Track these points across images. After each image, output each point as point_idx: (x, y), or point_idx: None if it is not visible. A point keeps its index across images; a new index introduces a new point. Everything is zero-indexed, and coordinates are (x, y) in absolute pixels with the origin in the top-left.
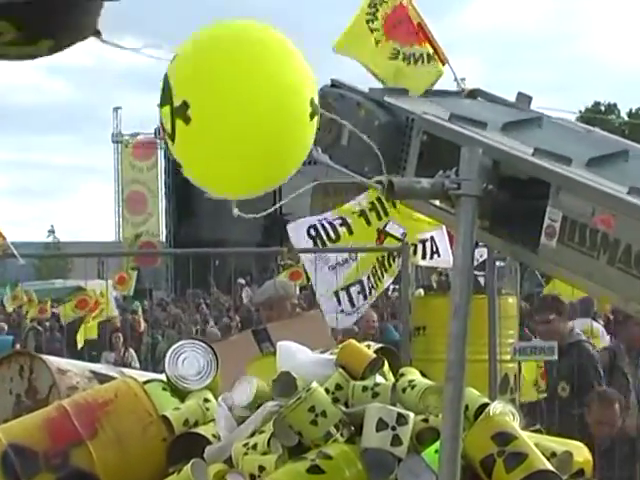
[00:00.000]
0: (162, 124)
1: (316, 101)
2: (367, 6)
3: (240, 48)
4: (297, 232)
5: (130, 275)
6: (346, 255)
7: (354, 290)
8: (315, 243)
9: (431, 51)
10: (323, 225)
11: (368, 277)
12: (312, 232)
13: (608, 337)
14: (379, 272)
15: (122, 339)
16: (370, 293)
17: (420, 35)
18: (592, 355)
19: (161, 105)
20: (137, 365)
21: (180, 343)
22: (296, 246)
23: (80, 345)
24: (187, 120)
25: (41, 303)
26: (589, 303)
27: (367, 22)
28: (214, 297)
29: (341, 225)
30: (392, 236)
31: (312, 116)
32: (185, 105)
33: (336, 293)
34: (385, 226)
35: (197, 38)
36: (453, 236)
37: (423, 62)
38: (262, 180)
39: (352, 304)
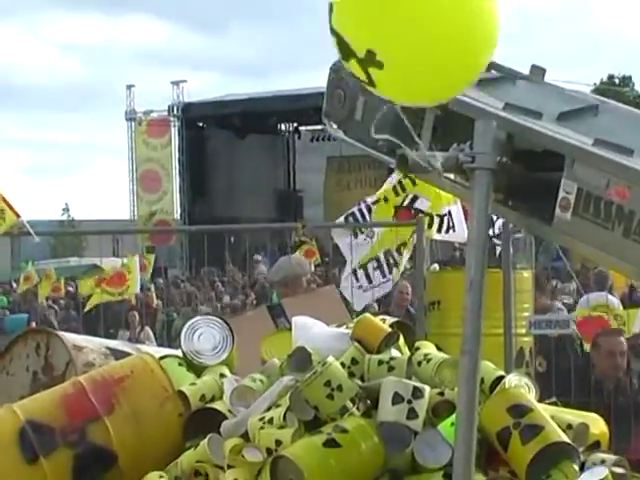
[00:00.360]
0: (353, 75)
1: None
2: None
3: None
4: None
5: (149, 260)
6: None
7: (370, 267)
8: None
9: None
10: (360, 210)
11: (385, 254)
12: (350, 219)
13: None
14: (401, 249)
15: (137, 317)
16: (390, 271)
17: None
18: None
19: (344, 59)
20: (153, 343)
21: (196, 319)
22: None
23: (88, 308)
24: (380, 66)
25: (56, 281)
26: (604, 276)
27: None
28: (229, 274)
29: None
30: (422, 212)
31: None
32: (371, 53)
33: (354, 271)
34: (403, 202)
35: None
36: (468, 211)
37: None
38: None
39: (369, 280)
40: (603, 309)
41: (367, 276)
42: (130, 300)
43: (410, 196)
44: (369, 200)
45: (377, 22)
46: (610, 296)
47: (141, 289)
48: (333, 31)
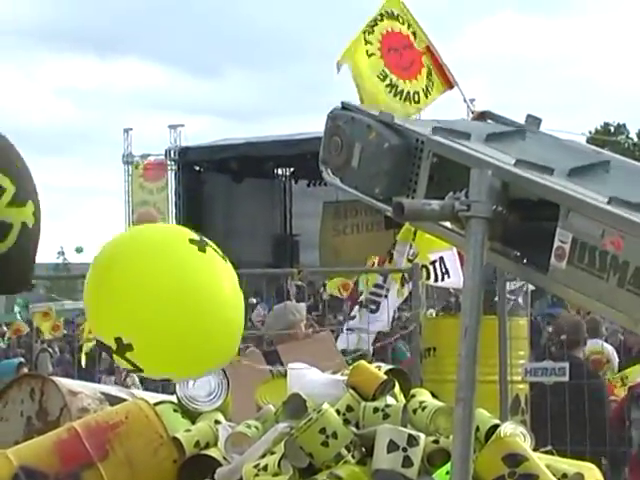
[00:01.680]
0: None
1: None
2: (371, 19)
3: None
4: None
5: None
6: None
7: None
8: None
9: (412, 91)
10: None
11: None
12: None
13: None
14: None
15: None
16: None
17: (411, 70)
18: None
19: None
20: (140, 389)
21: None
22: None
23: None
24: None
25: (57, 320)
26: (596, 323)
27: (364, 32)
28: None
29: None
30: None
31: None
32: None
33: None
34: (394, 246)
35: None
36: (463, 257)
37: (401, 98)
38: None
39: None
40: (598, 356)
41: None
42: None
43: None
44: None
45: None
46: (605, 343)
47: None
48: None
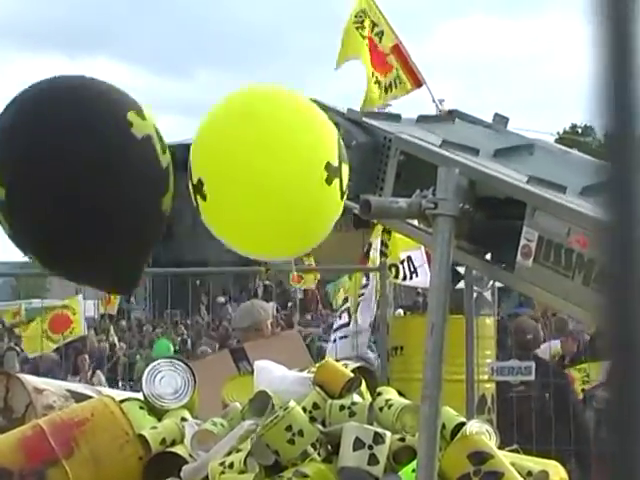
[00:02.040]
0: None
1: (335, 163)
2: (354, 15)
3: (249, 125)
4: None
5: (114, 296)
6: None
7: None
8: None
9: (387, 82)
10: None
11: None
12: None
13: None
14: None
15: (88, 360)
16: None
17: (386, 64)
18: None
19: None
20: (106, 387)
21: (157, 362)
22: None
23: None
24: (204, 197)
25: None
26: (564, 322)
27: (357, 29)
28: (193, 317)
29: None
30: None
31: (329, 181)
32: (200, 183)
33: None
34: (369, 248)
35: (211, 115)
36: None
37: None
38: (289, 247)
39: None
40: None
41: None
42: (84, 341)
43: (374, 242)
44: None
45: (213, 155)
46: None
47: (95, 331)
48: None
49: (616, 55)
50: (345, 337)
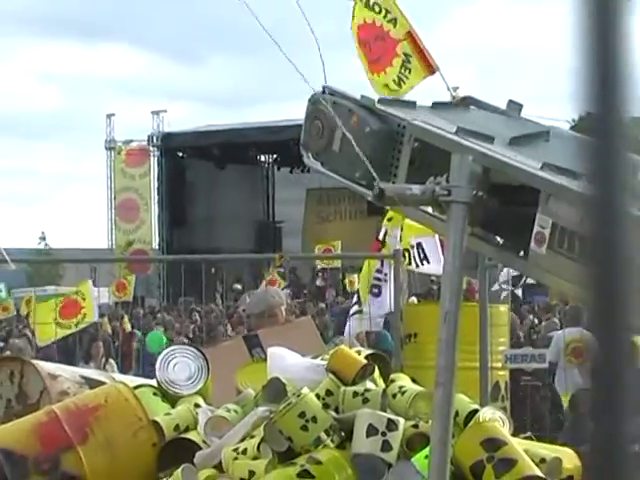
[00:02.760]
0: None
1: None
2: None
3: None
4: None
5: (129, 281)
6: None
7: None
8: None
9: (381, 83)
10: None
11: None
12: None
13: None
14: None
15: (102, 348)
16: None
17: (380, 63)
18: None
19: None
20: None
21: (171, 348)
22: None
23: (43, 344)
24: None
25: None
26: (579, 311)
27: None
28: (209, 306)
29: None
30: (381, 243)
31: None
32: None
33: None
34: (385, 234)
35: None
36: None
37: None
38: None
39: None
40: (578, 344)
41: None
42: (98, 328)
43: (384, 229)
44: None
45: None
46: (585, 331)
47: (113, 319)
48: None
49: (601, 44)
50: (357, 313)
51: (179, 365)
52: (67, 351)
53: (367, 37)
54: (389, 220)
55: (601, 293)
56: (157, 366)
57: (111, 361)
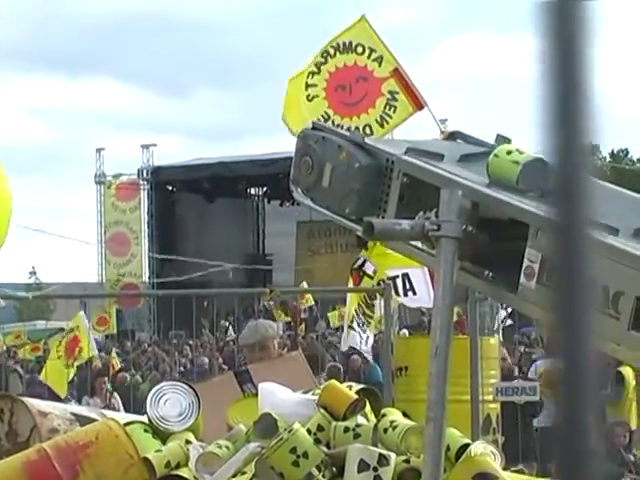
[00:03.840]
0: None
1: None
2: (319, 55)
3: None
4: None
5: (110, 314)
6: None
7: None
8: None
9: (361, 125)
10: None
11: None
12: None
13: None
14: (366, 310)
15: (107, 383)
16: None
17: (361, 104)
18: None
19: None
20: (122, 411)
21: (162, 384)
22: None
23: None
24: None
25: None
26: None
27: (308, 75)
28: (197, 338)
29: None
30: (367, 275)
31: None
32: None
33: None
34: (362, 265)
35: None
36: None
37: None
38: None
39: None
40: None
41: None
42: (96, 363)
43: (361, 259)
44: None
45: None
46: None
47: (99, 351)
48: None
49: (562, 70)
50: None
51: (170, 401)
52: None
53: (346, 80)
54: (366, 250)
55: (564, 317)
56: (148, 402)
57: (116, 395)
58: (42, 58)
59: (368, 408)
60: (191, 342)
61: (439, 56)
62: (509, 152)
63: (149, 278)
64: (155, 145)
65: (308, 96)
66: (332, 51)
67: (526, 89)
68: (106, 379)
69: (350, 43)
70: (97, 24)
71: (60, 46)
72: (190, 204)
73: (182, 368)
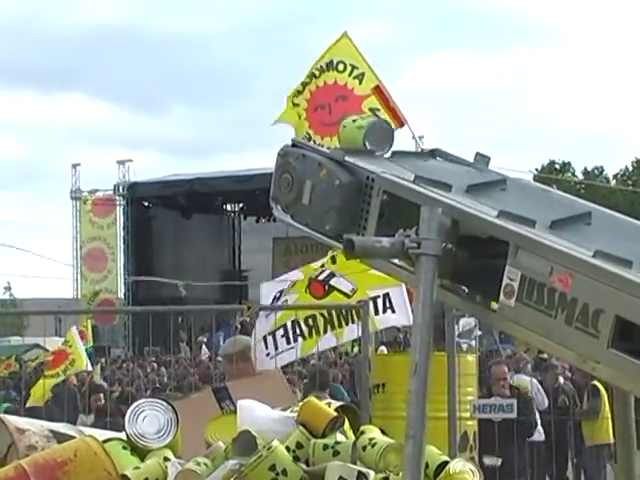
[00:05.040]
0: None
1: None
2: (306, 76)
3: None
4: (267, 293)
5: (86, 329)
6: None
7: (278, 334)
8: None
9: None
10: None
11: (292, 322)
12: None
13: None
14: (321, 325)
15: (103, 401)
16: (295, 339)
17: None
18: None
19: None
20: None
21: (140, 402)
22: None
23: (39, 403)
24: None
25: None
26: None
27: (295, 93)
28: (174, 355)
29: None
30: (339, 291)
31: None
32: None
33: (264, 338)
34: (318, 276)
35: None
36: (412, 293)
37: None
38: None
39: (276, 347)
40: (523, 391)
41: (274, 343)
42: (72, 381)
43: (327, 272)
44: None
45: None
46: (533, 379)
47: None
48: None
49: None
50: None
51: (148, 418)
52: (67, 404)
53: (326, 99)
54: (334, 263)
55: None
56: (126, 419)
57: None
58: (12, 74)
59: (347, 425)
60: (167, 358)
61: (413, 74)
62: (354, 120)
63: (125, 295)
64: (131, 161)
65: (298, 114)
66: (317, 73)
67: (500, 106)
68: (102, 395)
69: (331, 62)
70: (69, 39)
71: (30, 62)
72: (166, 220)
73: (158, 385)
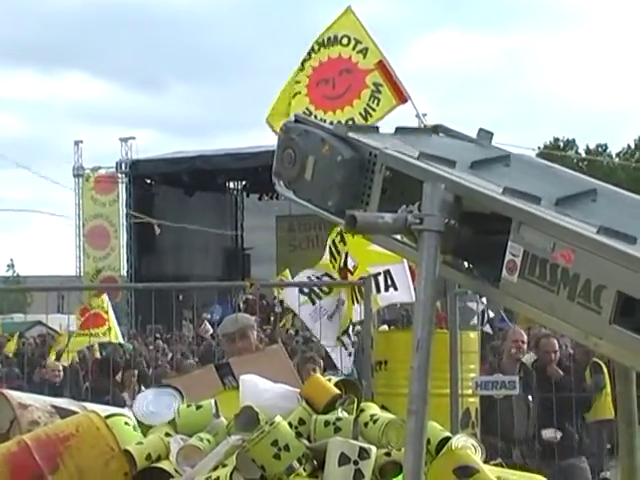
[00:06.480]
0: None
1: None
2: (306, 52)
3: None
4: (290, 295)
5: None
6: (335, 303)
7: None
8: (311, 299)
9: (344, 119)
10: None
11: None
12: (305, 290)
13: None
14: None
15: (135, 378)
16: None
17: (345, 97)
18: None
19: None
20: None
21: (146, 392)
22: (293, 307)
23: (51, 359)
24: None
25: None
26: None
27: (296, 72)
28: (179, 333)
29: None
30: (350, 271)
31: None
32: None
33: (339, 339)
34: (345, 263)
35: None
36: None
37: None
38: None
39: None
40: None
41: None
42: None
43: (343, 255)
44: (316, 274)
45: None
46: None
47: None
48: None
49: None
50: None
51: (151, 394)
52: (97, 379)
53: (329, 74)
54: (342, 242)
55: None
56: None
57: (143, 389)
58: (12, 52)
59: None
60: (169, 336)
61: (416, 52)
62: None
63: (127, 272)
64: (134, 138)
65: (293, 93)
66: (317, 47)
67: (503, 83)
68: (136, 372)
69: (335, 36)
70: (69, 17)
71: (29, 39)
72: (169, 198)
73: (159, 362)
